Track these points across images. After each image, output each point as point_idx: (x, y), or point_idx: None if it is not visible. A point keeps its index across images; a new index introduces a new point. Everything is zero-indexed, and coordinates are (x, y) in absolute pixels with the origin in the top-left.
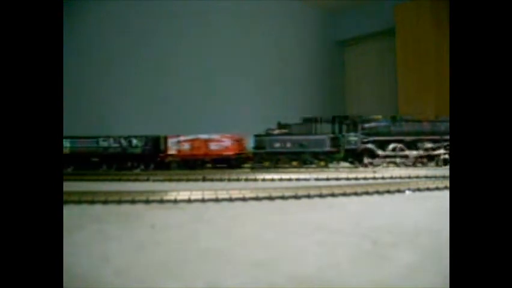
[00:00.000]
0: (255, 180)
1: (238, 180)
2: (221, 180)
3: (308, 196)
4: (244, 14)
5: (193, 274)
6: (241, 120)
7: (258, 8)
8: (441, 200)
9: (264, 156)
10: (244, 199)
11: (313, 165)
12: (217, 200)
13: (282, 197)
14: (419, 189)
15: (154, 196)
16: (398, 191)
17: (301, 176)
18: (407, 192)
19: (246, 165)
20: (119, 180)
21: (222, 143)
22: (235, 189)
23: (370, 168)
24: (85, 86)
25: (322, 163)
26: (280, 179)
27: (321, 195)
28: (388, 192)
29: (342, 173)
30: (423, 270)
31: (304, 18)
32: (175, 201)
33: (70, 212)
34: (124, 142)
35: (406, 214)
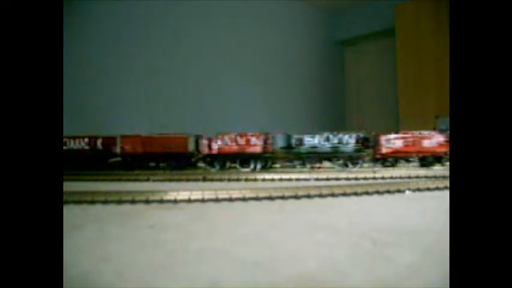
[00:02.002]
0: (255, 180)
1: (238, 180)
2: (221, 180)
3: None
4: (244, 14)
5: (193, 274)
6: (242, 120)
7: (259, 8)
8: (442, 200)
9: None
10: (244, 199)
11: None
12: (217, 200)
13: (282, 197)
14: (418, 189)
15: (155, 196)
16: (398, 191)
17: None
18: (407, 192)
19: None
20: None
21: (434, 139)
22: (235, 189)
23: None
24: (86, 86)
25: None
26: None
27: (321, 195)
28: (388, 192)
29: None
30: (423, 269)
31: (305, 18)
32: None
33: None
34: (334, 139)
35: (406, 214)
